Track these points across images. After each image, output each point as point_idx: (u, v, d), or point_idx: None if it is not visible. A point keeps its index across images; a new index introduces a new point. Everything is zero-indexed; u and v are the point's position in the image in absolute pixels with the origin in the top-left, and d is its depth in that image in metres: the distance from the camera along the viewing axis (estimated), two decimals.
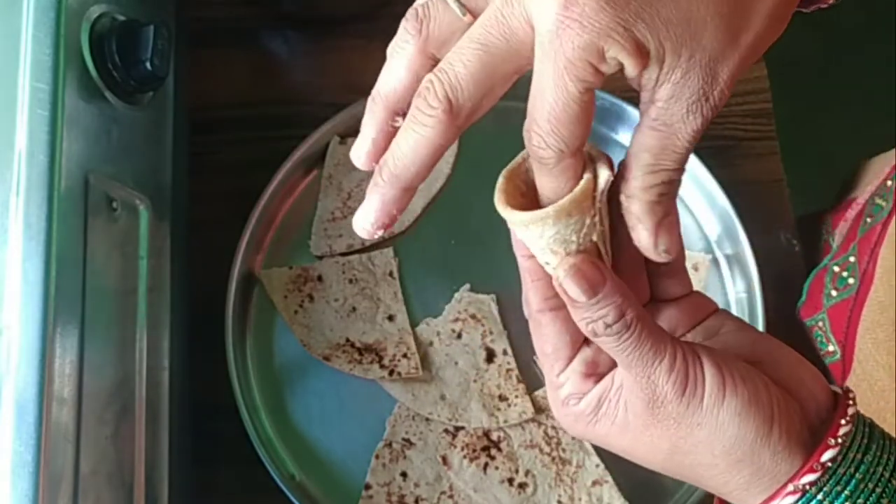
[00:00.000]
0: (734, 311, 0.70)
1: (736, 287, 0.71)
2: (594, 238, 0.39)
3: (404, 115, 0.39)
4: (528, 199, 0.40)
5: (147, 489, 0.56)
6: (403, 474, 0.66)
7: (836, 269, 0.68)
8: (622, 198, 0.39)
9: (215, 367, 0.65)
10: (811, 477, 0.38)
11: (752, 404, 0.39)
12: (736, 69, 0.36)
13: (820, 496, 0.38)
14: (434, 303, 0.70)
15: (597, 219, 0.39)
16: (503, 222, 0.40)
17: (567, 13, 0.34)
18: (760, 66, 0.78)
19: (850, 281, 0.66)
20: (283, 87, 0.78)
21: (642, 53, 0.35)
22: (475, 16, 0.38)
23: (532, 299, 0.42)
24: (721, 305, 0.69)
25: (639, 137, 0.38)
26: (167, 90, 0.63)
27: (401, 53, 0.39)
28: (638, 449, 0.41)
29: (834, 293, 0.67)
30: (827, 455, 0.38)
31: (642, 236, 0.39)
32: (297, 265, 0.70)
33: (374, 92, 0.40)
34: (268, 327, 0.69)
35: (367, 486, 0.65)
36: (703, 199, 0.72)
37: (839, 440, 0.39)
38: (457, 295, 0.70)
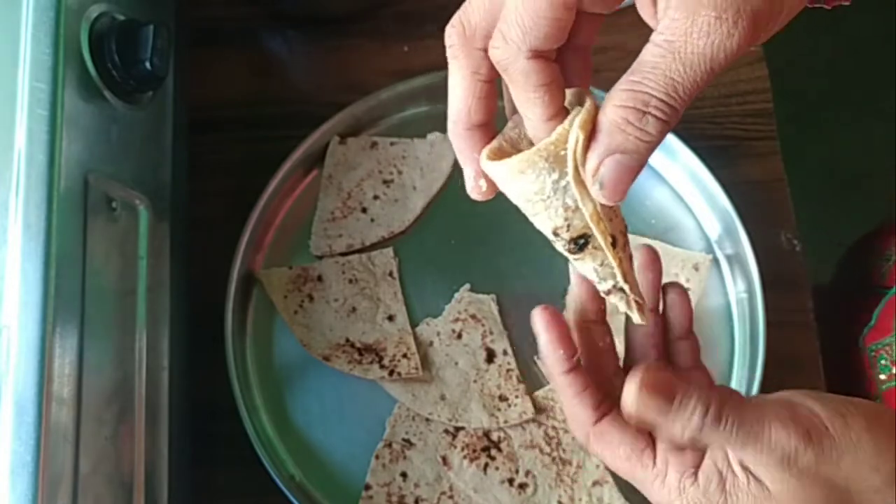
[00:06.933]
0: (734, 311, 0.71)
1: (736, 287, 0.71)
2: (588, 214, 0.38)
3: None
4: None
5: (146, 489, 0.56)
6: (403, 474, 0.66)
7: None
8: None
9: (215, 368, 0.65)
10: None
11: (878, 415, 0.39)
12: None
13: None
14: (434, 303, 0.70)
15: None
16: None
17: None
18: (761, 66, 0.78)
19: None
20: (283, 87, 0.77)
21: None
22: None
23: (590, 415, 0.40)
24: (721, 305, 0.71)
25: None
26: (167, 90, 0.63)
27: None
28: None
29: None
30: None
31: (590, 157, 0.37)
32: (297, 265, 0.70)
33: None
34: (268, 327, 0.69)
35: (367, 487, 0.65)
36: (704, 198, 0.72)
37: None
38: (457, 295, 0.70)
